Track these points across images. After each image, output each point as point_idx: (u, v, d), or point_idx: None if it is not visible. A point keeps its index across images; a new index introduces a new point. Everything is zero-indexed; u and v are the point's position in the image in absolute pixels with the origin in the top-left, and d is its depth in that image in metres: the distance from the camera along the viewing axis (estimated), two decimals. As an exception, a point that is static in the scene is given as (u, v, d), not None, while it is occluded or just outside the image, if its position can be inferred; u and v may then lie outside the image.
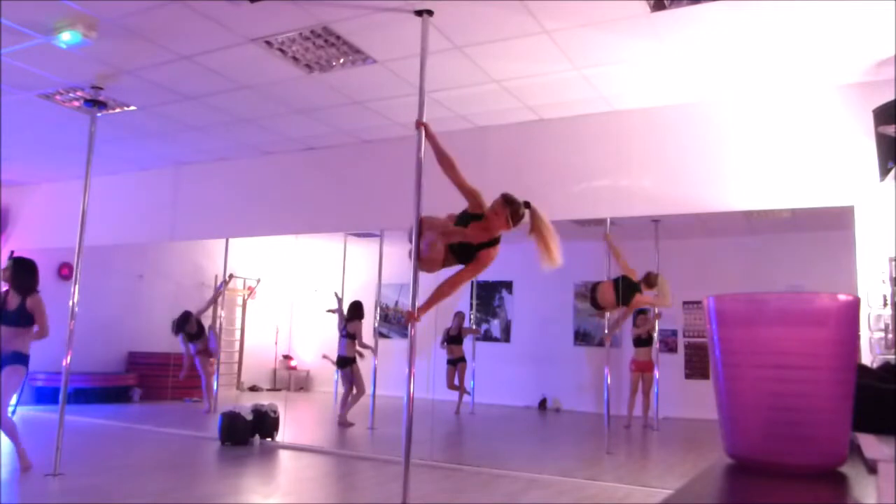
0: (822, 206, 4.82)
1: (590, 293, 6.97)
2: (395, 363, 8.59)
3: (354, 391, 7.82)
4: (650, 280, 7.09)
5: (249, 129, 6.48)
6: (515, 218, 3.64)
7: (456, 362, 9.10)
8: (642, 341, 8.15)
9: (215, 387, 8.73)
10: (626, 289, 6.84)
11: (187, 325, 8.80)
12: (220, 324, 9.48)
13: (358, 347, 7.98)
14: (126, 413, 8.51)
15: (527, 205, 3.69)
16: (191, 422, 8.28)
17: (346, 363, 7.85)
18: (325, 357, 8.65)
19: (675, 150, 5.33)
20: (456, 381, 9.07)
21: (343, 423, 7.66)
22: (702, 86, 5.05)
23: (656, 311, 8.03)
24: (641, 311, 8.18)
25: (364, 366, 7.90)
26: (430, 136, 3.88)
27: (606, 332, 7.18)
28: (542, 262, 3.61)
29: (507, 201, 3.65)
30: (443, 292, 3.80)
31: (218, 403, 8.37)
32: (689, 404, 8.29)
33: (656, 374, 7.94)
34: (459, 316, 9.26)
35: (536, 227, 3.64)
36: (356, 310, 8.06)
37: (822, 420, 0.83)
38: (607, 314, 7.14)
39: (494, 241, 3.73)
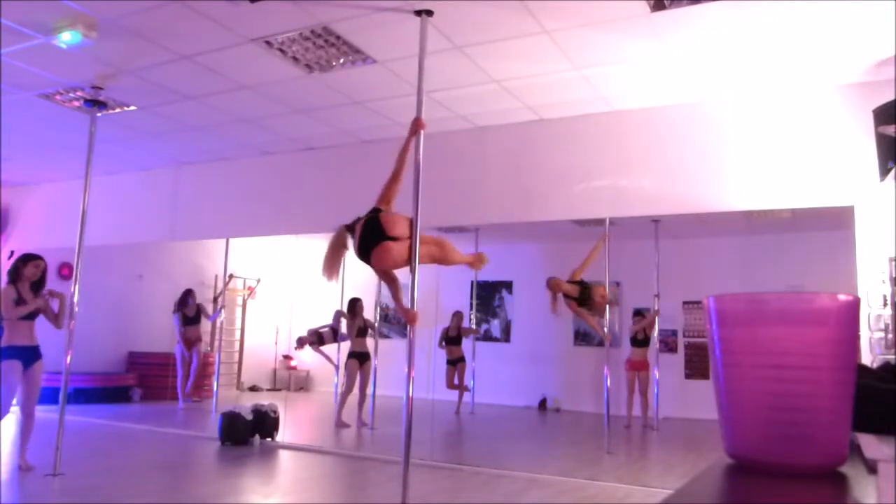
0: (822, 206, 4.82)
1: None
2: (395, 363, 8.60)
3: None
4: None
5: (249, 129, 6.48)
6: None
7: (455, 362, 9.10)
8: (638, 341, 8.15)
9: (215, 387, 8.72)
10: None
11: (186, 308, 8.83)
12: (221, 324, 9.49)
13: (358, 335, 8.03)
14: (126, 413, 8.50)
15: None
16: (191, 422, 8.29)
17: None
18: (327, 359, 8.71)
19: (675, 150, 5.33)
20: (455, 381, 9.07)
21: (343, 425, 7.66)
22: (702, 86, 5.05)
23: (656, 308, 8.04)
24: (637, 312, 8.18)
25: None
26: (412, 133, 3.99)
27: (606, 331, 7.19)
28: None
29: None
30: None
31: (218, 403, 8.37)
32: (689, 404, 8.30)
33: (656, 374, 7.94)
34: (458, 316, 9.25)
35: None
36: (348, 307, 8.08)
37: (822, 420, 0.83)
38: (607, 315, 7.14)
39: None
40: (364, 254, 3.85)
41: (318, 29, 4.38)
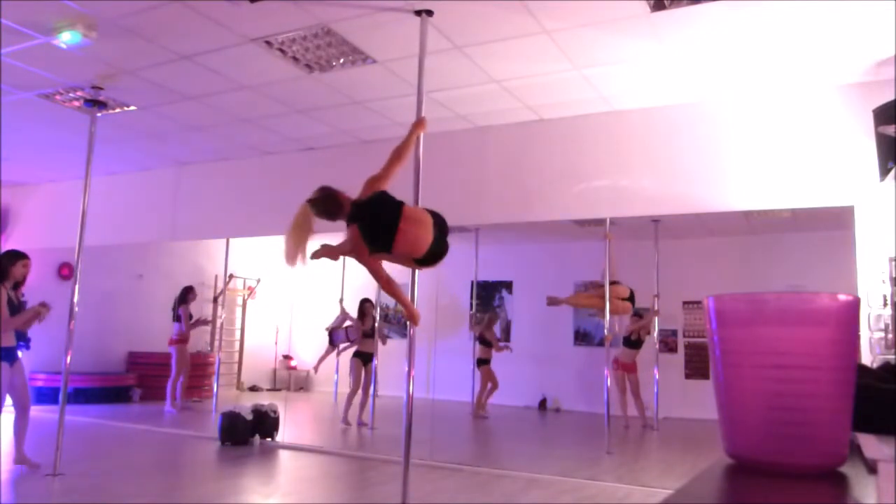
0: (822, 206, 4.82)
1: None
2: (395, 363, 8.60)
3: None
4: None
5: (249, 129, 6.48)
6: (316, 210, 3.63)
7: (481, 363, 9.07)
8: (630, 342, 8.14)
9: (215, 387, 8.71)
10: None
11: (182, 305, 8.80)
12: (221, 324, 9.49)
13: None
14: (126, 413, 8.50)
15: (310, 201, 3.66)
16: (190, 422, 8.29)
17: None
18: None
19: (675, 150, 5.32)
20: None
21: (347, 424, 7.68)
22: (702, 86, 5.05)
23: (655, 308, 8.04)
24: (636, 313, 8.18)
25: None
26: (416, 129, 3.87)
27: (606, 332, 7.18)
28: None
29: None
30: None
31: (218, 403, 8.37)
32: (689, 404, 8.30)
33: (656, 374, 7.93)
34: (493, 316, 9.25)
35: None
36: (358, 309, 8.09)
37: (822, 420, 0.83)
38: (607, 315, 7.14)
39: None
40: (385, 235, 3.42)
41: (318, 29, 4.38)
